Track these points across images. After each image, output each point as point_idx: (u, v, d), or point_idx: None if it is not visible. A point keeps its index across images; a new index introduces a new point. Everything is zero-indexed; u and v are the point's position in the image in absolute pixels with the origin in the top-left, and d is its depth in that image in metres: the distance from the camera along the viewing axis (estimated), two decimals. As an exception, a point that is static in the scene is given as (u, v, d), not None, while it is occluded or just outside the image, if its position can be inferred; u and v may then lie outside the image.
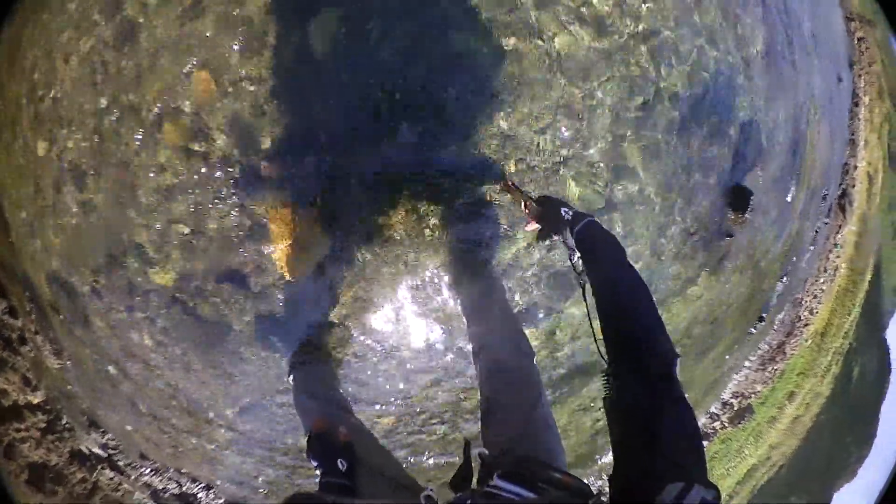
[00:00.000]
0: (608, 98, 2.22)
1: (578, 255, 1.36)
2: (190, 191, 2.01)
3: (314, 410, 1.80)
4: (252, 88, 1.92)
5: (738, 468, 4.41)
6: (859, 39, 3.97)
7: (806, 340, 4.42)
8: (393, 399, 2.36)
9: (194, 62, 1.93)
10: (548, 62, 2.09)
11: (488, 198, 2.11)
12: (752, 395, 4.14)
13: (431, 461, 2.54)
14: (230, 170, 1.96)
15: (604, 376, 1.02)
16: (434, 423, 2.44)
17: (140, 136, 2.00)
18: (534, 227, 1.55)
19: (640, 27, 2.25)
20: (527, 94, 2.08)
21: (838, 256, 4.39)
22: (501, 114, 2.04)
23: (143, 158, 2.01)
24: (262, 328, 2.17)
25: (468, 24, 1.98)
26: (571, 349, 2.45)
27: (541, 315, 2.35)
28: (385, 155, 1.95)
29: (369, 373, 2.28)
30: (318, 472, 1.51)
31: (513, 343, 1.73)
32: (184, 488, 2.68)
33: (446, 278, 2.16)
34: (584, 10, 2.14)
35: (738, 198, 2.72)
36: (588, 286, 1.29)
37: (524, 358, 1.66)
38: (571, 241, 1.36)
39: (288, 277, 2.06)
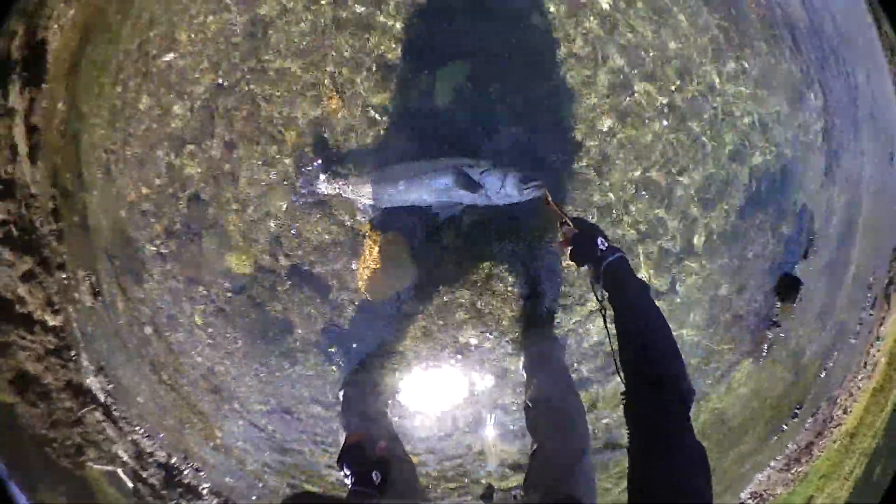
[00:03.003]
0: (685, 181, 2.46)
1: (601, 285, 1.44)
2: (293, 193, 2.22)
3: (357, 425, 1.94)
4: (375, 116, 2.17)
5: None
6: (910, 106, 3.95)
7: (834, 442, 4.35)
8: (434, 438, 2.47)
9: (323, 77, 2.18)
10: (632, 146, 2.37)
11: (565, 264, 2.34)
12: (771, 498, 4.16)
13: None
14: (337, 184, 2.16)
15: (623, 404, 1.13)
16: (465, 472, 2.55)
17: (253, 126, 2.23)
18: (569, 249, 1.62)
19: (719, 115, 2.52)
20: (619, 169, 2.34)
21: (878, 350, 4.30)
22: (593, 188, 2.33)
23: (250, 148, 2.23)
24: (327, 338, 2.32)
25: (575, 101, 2.30)
26: (609, 422, 2.59)
27: (587, 384, 2.50)
28: (482, 207, 2.17)
29: (418, 407, 2.41)
30: (348, 480, 1.60)
31: (566, 397, 1.91)
32: (172, 461, 2.80)
33: (512, 331, 2.33)
34: (675, 96, 2.44)
35: (788, 287, 2.86)
36: (609, 314, 1.39)
37: (574, 411, 1.84)
38: (599, 272, 1.44)
39: (367, 297, 2.25)
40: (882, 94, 3.83)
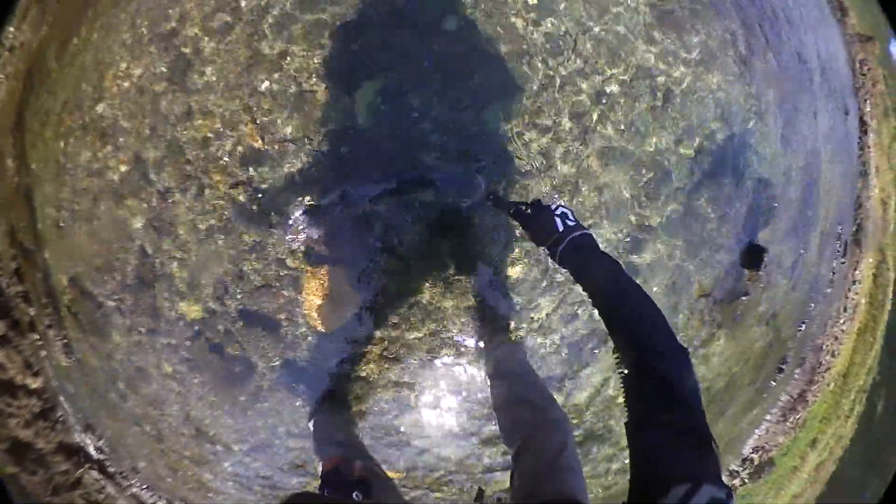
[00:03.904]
0: (630, 165, 2.45)
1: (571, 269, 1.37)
2: (228, 236, 2.20)
3: (331, 451, 1.95)
4: (295, 147, 2.14)
5: (758, 524, 4.23)
6: (861, 62, 4.07)
7: (828, 384, 4.51)
8: (407, 455, 2.50)
9: (242, 113, 2.15)
10: (574, 135, 2.35)
11: (515, 267, 2.35)
12: (774, 448, 4.25)
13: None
14: (270, 221, 2.17)
15: (619, 377, 1.09)
16: (448, 482, 2.57)
17: (183, 173, 2.20)
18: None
19: (658, 95, 2.49)
20: (555, 166, 2.33)
21: (857, 293, 4.50)
22: (530, 184, 2.31)
23: (184, 195, 2.20)
24: (287, 373, 2.32)
25: (500, 103, 2.27)
26: (586, 416, 2.63)
27: (559, 381, 2.52)
28: (419, 222, 2.20)
29: (386, 427, 2.43)
30: None
31: (538, 392, 1.91)
32: None
33: (470, 341, 2.34)
34: (610, 82, 2.41)
35: (752, 256, 2.88)
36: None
37: (550, 404, 1.84)
38: (558, 251, 1.37)
39: (318, 329, 2.24)
40: (832, 51, 3.86)
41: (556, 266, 1.46)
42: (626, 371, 1.09)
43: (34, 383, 2.60)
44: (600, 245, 1.41)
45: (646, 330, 1.12)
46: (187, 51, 2.20)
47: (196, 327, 2.31)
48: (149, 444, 2.63)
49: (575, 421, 2.62)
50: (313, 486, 2.50)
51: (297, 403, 2.37)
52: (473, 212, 2.24)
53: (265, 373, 2.35)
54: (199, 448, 2.55)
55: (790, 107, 3.08)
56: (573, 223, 1.42)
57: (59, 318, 2.56)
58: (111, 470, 2.77)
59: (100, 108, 2.30)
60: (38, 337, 2.59)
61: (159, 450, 2.63)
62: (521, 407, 1.89)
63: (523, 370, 2.11)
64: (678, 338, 1.14)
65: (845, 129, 3.89)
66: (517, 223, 1.58)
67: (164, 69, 2.22)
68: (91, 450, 2.73)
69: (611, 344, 1.18)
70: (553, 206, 1.46)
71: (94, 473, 2.74)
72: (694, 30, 2.62)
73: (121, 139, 2.27)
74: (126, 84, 2.26)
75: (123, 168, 2.27)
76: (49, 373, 2.62)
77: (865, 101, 4.08)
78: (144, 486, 2.79)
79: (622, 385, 1.08)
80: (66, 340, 2.59)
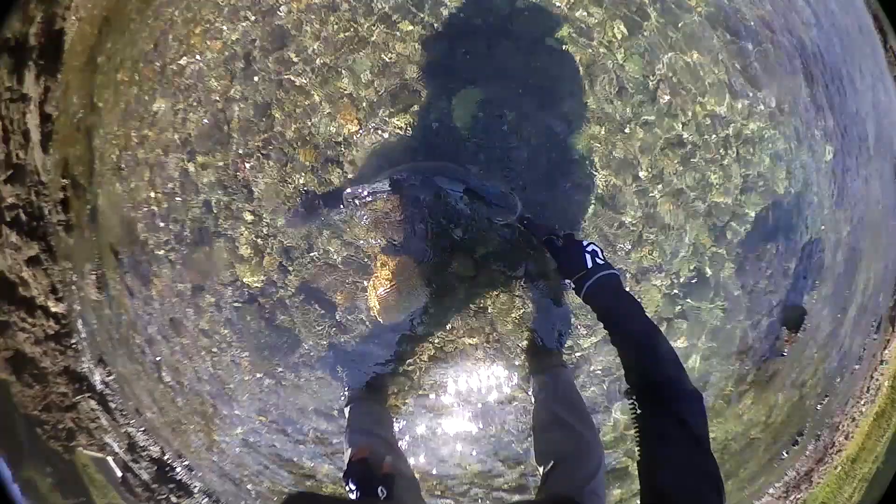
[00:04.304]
0: (693, 213, 2.46)
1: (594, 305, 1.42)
2: (305, 210, 2.24)
3: (362, 441, 1.92)
4: (387, 137, 2.18)
5: None
6: (914, 121, 3.86)
7: (835, 468, 4.24)
8: (430, 458, 2.50)
9: (341, 95, 2.19)
10: (646, 176, 2.38)
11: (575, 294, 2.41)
12: None
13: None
14: (349, 202, 2.18)
15: (633, 420, 1.13)
16: (462, 493, 2.57)
17: (268, 140, 2.23)
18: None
19: (728, 145, 2.52)
20: (628, 202, 2.36)
21: (882, 374, 4.18)
22: (603, 218, 2.34)
23: (265, 161, 2.24)
24: (334, 355, 2.33)
25: (589, 131, 2.31)
26: (616, 449, 2.63)
27: (594, 411, 2.50)
28: (497, 234, 2.23)
29: (418, 427, 2.43)
30: (353, 495, 1.60)
31: (579, 417, 1.93)
32: (165, 457, 2.80)
33: (523, 356, 2.35)
34: (688, 129, 2.45)
35: (793, 317, 2.87)
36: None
37: (588, 430, 1.86)
38: (584, 287, 1.42)
39: (378, 319, 2.26)
40: (888, 110, 3.78)
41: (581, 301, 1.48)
42: (639, 410, 1.13)
43: (55, 307, 2.61)
44: (656, 286, 1.44)
45: (666, 373, 1.16)
46: (288, 26, 2.24)
47: (249, 293, 2.34)
48: (162, 392, 2.66)
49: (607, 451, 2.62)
50: (325, 469, 2.53)
51: (335, 386, 2.39)
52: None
53: (311, 350, 2.37)
54: (215, 408, 2.58)
55: (845, 166, 3.07)
56: (602, 262, 1.46)
57: (100, 253, 2.60)
58: (112, 405, 2.78)
59: (184, 61, 2.35)
60: (71, 266, 2.61)
61: (170, 399, 2.65)
62: (560, 428, 1.90)
63: (568, 393, 2.12)
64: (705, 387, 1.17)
65: (894, 192, 3.66)
66: (547, 251, 1.62)
67: (261, 37, 2.26)
68: (97, 381, 2.74)
69: None
70: (585, 243, 1.51)
71: (93, 403, 2.75)
72: (765, 85, 2.64)
73: (204, 96, 2.31)
74: (218, 45, 2.30)
75: (203, 123, 2.31)
76: (74, 301, 2.64)
77: (917, 165, 3.97)
78: (142, 429, 2.80)
79: (635, 424, 1.12)
80: (101, 276, 2.62)
